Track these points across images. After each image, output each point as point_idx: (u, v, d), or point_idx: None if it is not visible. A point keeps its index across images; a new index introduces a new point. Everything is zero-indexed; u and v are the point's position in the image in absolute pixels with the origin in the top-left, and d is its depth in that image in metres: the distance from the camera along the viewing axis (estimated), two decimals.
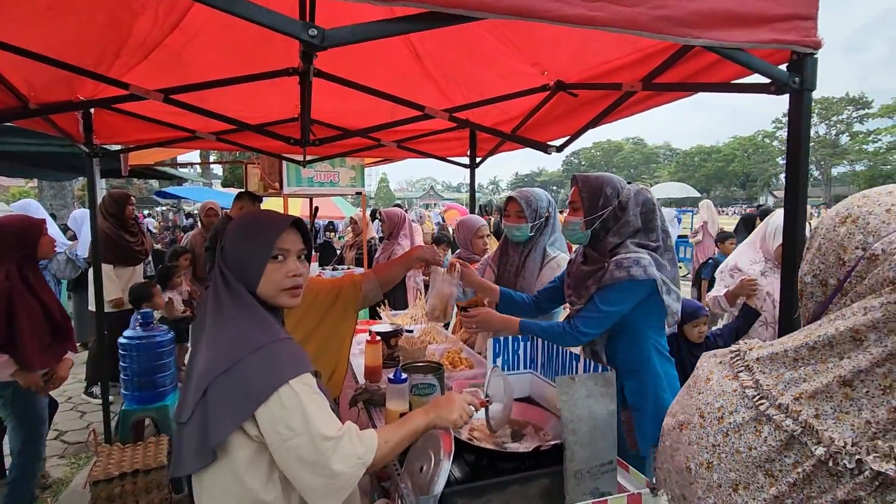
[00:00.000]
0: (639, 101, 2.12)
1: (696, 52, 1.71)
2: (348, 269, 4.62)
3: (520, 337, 1.88)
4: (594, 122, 2.27)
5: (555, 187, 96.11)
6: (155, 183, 15.97)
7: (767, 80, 1.40)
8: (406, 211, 7.18)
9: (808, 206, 1.60)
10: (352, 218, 5.11)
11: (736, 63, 1.37)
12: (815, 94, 1.42)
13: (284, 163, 3.86)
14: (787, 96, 1.38)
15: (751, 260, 2.63)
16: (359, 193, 4.33)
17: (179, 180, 8.33)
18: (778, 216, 2.46)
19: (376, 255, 4.75)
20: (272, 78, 2.03)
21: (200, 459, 1.06)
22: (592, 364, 1.56)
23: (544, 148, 2.69)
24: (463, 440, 1.49)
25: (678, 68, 1.81)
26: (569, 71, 2.26)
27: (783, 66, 1.38)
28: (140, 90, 2.07)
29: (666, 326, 1.88)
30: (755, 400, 0.64)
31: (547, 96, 2.39)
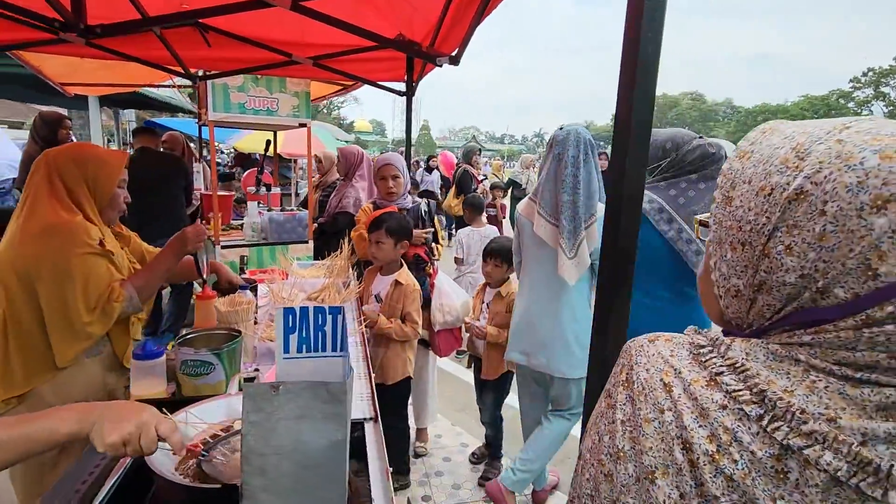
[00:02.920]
0: None
1: None
2: (297, 210, 4.17)
3: None
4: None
5: (602, 143, 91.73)
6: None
7: None
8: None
9: None
10: (316, 155, 4.58)
11: None
12: None
13: (210, 85, 3.35)
14: None
15: None
16: (303, 125, 3.79)
17: (171, 110, 8.01)
18: None
19: (330, 198, 4.30)
20: None
21: None
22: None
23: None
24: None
25: None
26: None
27: None
28: None
29: None
30: (766, 425, 0.44)
31: None
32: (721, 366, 0.49)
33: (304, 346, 1.35)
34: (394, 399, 2.40)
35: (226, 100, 3.48)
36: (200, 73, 3.16)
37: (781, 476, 0.43)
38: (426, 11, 2.13)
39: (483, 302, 2.62)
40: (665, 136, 1.90)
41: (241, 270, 2.90)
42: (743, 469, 0.44)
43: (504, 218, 6.76)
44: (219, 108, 3.46)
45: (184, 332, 1.50)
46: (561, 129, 2.06)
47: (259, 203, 4.50)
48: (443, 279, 2.85)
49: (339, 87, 4.28)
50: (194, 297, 1.87)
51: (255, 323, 1.84)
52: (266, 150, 4.74)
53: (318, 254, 3.96)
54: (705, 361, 0.51)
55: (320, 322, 1.36)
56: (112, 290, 1.48)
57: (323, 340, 1.37)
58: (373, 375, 2.21)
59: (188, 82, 3.60)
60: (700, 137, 1.92)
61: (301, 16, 2.25)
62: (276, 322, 1.33)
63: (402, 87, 2.95)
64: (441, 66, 2.15)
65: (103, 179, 1.52)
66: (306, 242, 4.04)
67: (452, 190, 6.27)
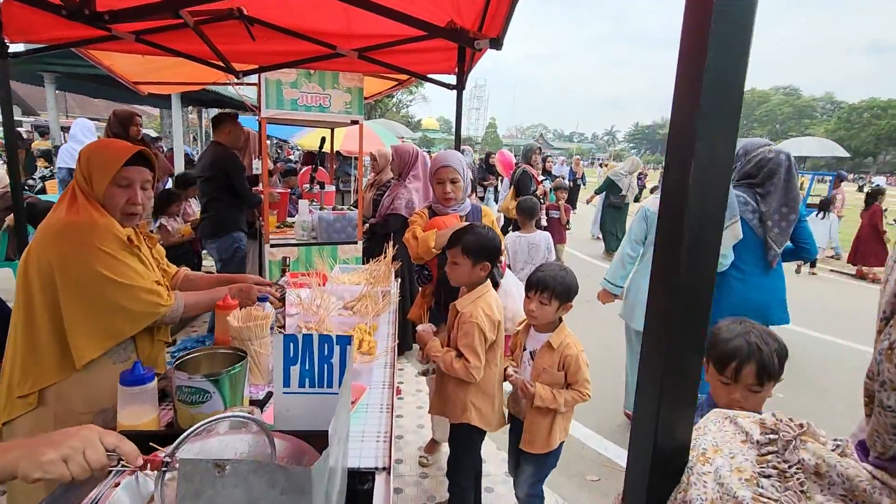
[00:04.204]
0: None
1: None
2: (346, 209, 4.06)
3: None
4: None
5: None
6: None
7: None
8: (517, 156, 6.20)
9: None
10: (371, 153, 4.47)
11: None
12: None
13: (264, 81, 3.31)
14: None
15: None
16: (355, 122, 3.66)
17: (242, 107, 8.29)
18: None
19: (383, 198, 4.16)
20: None
21: None
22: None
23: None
24: None
25: None
26: None
27: None
28: None
29: None
30: None
31: None
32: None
33: (306, 380, 1.17)
34: (456, 443, 2.03)
35: (279, 96, 3.43)
36: (249, 68, 3.10)
37: None
38: None
39: (525, 348, 2.00)
40: (742, 145, 2.62)
41: (283, 272, 2.80)
42: None
43: (568, 221, 6.32)
44: (271, 105, 3.42)
45: (186, 351, 1.36)
46: None
47: (312, 201, 4.46)
48: (510, 279, 2.57)
49: (394, 83, 4.12)
50: (216, 305, 1.76)
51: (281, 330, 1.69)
52: (321, 147, 4.70)
53: (368, 255, 3.84)
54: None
55: (326, 353, 1.17)
56: (159, 292, 1.47)
57: (329, 374, 1.17)
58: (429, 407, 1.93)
59: (246, 81, 3.58)
60: (767, 145, 2.61)
61: (347, 5, 2.09)
62: (275, 350, 1.15)
63: (451, 79, 2.72)
64: (480, 49, 1.90)
65: (97, 175, 1.42)
66: (355, 243, 3.93)
67: (510, 191, 5.95)
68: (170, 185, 4.92)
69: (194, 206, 4.73)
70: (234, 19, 2.46)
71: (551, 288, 1.83)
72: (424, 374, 3.24)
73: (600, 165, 31.07)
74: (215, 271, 4.29)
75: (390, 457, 1.21)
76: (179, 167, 8.88)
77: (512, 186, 5.96)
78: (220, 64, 2.71)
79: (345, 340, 1.12)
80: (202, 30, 2.41)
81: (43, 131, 11.93)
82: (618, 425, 3.25)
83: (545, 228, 5.92)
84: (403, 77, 3.66)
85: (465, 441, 1.98)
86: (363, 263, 3.58)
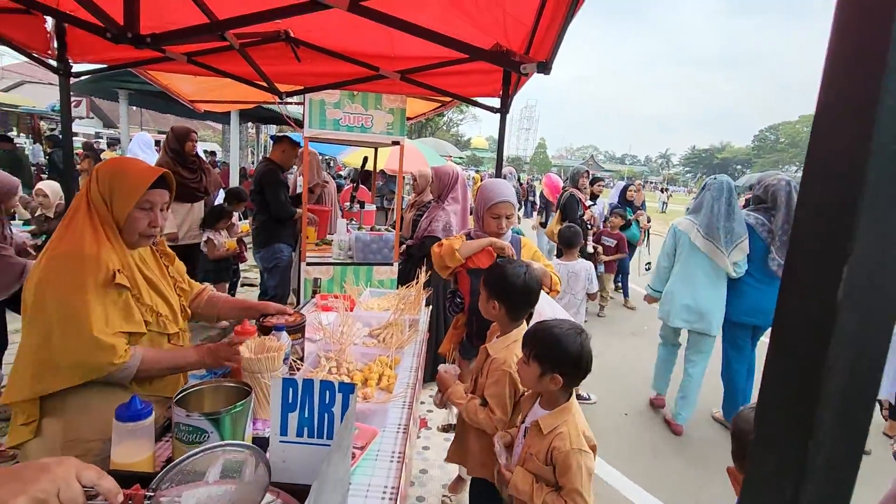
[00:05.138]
0: None
1: None
2: (384, 230, 4.03)
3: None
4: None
5: (739, 166, 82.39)
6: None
7: None
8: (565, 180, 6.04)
9: None
10: (412, 174, 4.44)
11: None
12: None
13: (309, 100, 3.35)
14: None
15: None
16: (396, 143, 3.63)
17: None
18: None
19: (421, 220, 4.09)
20: None
21: None
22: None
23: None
24: None
25: None
26: None
27: None
28: None
29: None
30: None
31: None
32: None
33: (304, 429, 1.06)
34: (474, 500, 1.84)
35: (322, 116, 3.46)
36: (294, 89, 3.14)
37: None
38: (518, 13, 1.78)
39: (524, 420, 1.57)
40: (757, 177, 3.46)
41: (314, 293, 2.76)
42: None
43: (625, 252, 6.02)
44: (314, 125, 3.44)
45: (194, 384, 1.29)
46: (714, 178, 3.34)
47: (351, 220, 4.47)
48: (544, 300, 2.40)
49: (438, 104, 4.09)
50: (234, 329, 1.71)
51: (295, 369, 1.61)
52: (363, 166, 4.72)
53: (404, 278, 3.77)
54: None
55: (328, 400, 1.06)
56: (115, 347, 1.31)
57: (329, 424, 1.06)
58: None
59: (291, 100, 3.65)
60: (775, 175, 3.28)
61: (390, 27, 2.04)
62: (273, 394, 1.06)
63: (496, 102, 2.62)
64: (526, 73, 1.78)
65: (119, 198, 1.38)
66: (391, 265, 3.88)
67: (556, 215, 5.76)
68: (220, 197, 5.08)
69: (238, 221, 4.87)
70: (280, 41, 2.50)
71: (529, 347, 1.44)
72: (446, 430, 3.09)
73: (661, 190, 28.70)
74: (260, 281, 4.41)
75: None
76: (234, 181, 9.26)
77: (558, 211, 5.76)
78: (264, 85, 2.75)
79: (347, 389, 1.02)
80: (248, 52, 2.45)
81: (112, 142, 12.84)
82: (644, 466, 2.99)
83: (591, 256, 5.67)
84: (447, 99, 3.61)
85: (484, 499, 1.80)
86: (398, 286, 3.51)
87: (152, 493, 0.83)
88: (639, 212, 6.27)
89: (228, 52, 2.49)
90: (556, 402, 1.44)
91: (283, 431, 1.04)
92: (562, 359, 1.38)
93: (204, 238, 4.19)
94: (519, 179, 10.90)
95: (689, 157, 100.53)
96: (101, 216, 1.37)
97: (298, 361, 1.68)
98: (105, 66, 2.76)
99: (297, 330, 1.75)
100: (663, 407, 3.77)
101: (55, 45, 2.50)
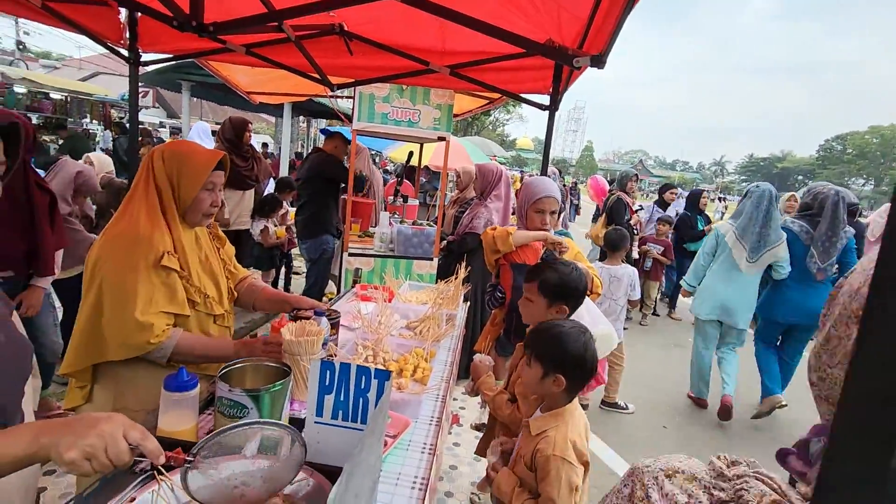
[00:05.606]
0: None
1: None
2: (426, 225, 4.06)
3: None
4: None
5: (801, 177, 77.70)
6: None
7: None
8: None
9: None
10: (456, 170, 4.45)
11: None
12: None
13: (359, 93, 3.41)
14: None
15: None
16: (441, 138, 3.64)
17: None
18: None
19: (463, 216, 4.09)
20: None
21: None
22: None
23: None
24: None
25: None
26: None
27: None
28: None
29: None
30: None
31: None
32: None
33: (339, 412, 1.08)
34: None
35: (371, 109, 3.51)
36: (344, 81, 3.21)
37: None
38: (574, 8, 1.73)
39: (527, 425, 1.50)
40: (807, 188, 3.66)
41: (354, 283, 2.81)
42: None
43: (671, 259, 5.79)
44: (363, 118, 3.50)
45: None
46: (757, 186, 3.58)
47: (394, 214, 4.52)
48: (583, 305, 2.33)
49: (485, 102, 4.06)
50: (271, 324, 1.76)
51: (332, 355, 1.64)
52: (408, 160, 4.76)
53: (443, 273, 3.78)
54: None
55: (363, 385, 1.07)
56: (154, 326, 1.37)
57: (364, 409, 1.07)
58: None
59: (342, 93, 3.73)
60: (826, 185, 3.47)
61: (443, 20, 2.05)
62: (311, 376, 1.08)
63: (544, 99, 2.58)
64: (580, 67, 1.73)
65: (186, 179, 1.45)
66: (431, 260, 3.89)
67: (602, 218, 5.61)
68: (270, 186, 5.26)
69: (289, 209, 5.02)
70: (334, 35, 2.54)
71: (531, 348, 1.40)
72: (478, 428, 3.06)
73: (719, 200, 26.71)
74: (304, 270, 4.54)
75: None
76: (284, 171, 9.57)
77: (604, 214, 5.62)
78: (317, 76, 2.82)
79: (383, 375, 1.02)
80: (303, 44, 2.51)
81: (174, 131, 13.51)
82: None
83: (636, 262, 5.50)
84: (495, 96, 3.58)
85: None
86: (437, 281, 3.53)
87: (192, 458, 0.86)
88: (709, 225, 5.98)
89: (285, 45, 2.57)
90: (555, 405, 1.40)
91: (319, 413, 1.05)
92: (564, 358, 1.34)
93: (260, 227, 4.34)
94: (563, 181, 10.69)
95: (745, 166, 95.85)
96: (163, 197, 1.45)
97: (331, 356, 1.70)
98: (171, 56, 2.90)
99: (331, 325, 1.77)
100: (706, 407, 3.92)
101: (127, 35, 2.66)
